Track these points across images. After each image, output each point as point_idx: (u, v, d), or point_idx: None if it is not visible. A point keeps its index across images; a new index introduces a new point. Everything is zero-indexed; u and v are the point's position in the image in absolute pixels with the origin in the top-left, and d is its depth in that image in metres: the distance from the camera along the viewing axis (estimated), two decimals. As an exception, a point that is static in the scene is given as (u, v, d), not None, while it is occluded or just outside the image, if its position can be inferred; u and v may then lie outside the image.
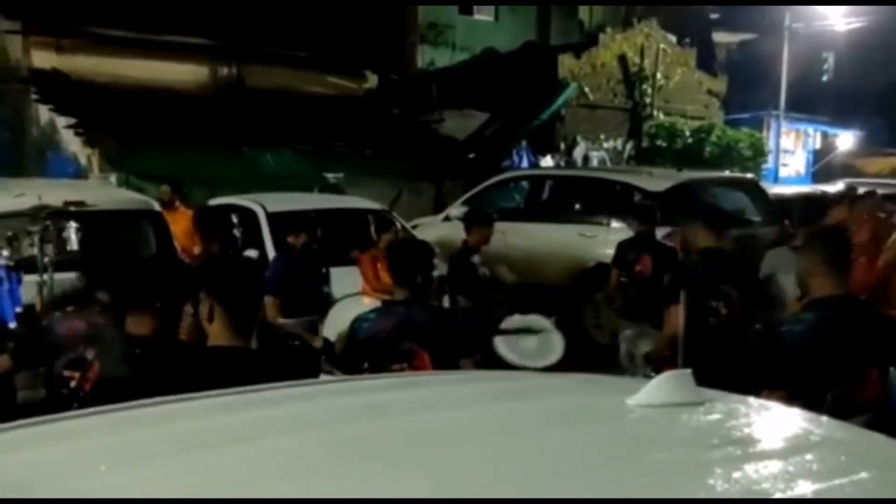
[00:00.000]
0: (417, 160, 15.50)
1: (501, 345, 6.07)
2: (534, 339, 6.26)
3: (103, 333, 3.99)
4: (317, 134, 15.03)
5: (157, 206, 7.75)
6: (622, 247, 7.83)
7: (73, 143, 12.96)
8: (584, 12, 24.93)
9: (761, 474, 1.67)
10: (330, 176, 14.11)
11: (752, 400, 2.25)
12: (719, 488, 1.58)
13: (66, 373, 3.95)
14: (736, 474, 1.64)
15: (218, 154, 13.41)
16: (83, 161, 12.79)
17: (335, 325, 6.89)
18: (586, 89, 19.96)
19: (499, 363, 5.69)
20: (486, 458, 1.65)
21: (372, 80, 18.12)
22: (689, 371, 2.06)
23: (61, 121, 13.05)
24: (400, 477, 1.59)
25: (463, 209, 11.54)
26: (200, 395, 2.23)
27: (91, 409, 2.24)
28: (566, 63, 19.84)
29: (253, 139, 14.09)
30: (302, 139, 14.76)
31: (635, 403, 1.96)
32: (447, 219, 11.59)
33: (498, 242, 8.53)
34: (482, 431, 1.82)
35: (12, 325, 5.17)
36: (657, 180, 10.39)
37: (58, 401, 3.96)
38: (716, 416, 2.00)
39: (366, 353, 4.33)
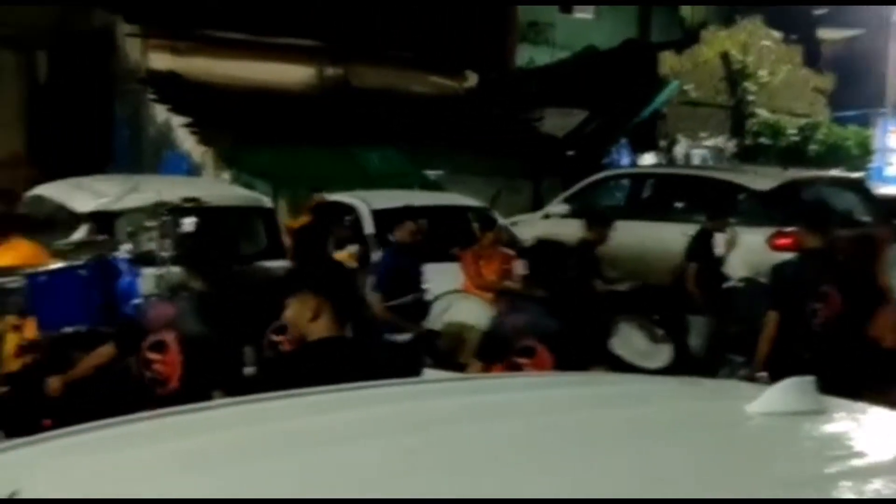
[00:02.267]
0: (516, 158, 15.44)
1: (616, 342, 6.07)
2: (646, 339, 6.23)
3: (187, 320, 4.16)
4: (418, 132, 15.10)
5: (267, 203, 7.91)
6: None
7: (187, 142, 13.31)
8: (685, 9, 24.40)
9: (892, 489, 1.59)
10: (430, 173, 14.17)
11: (875, 409, 2.15)
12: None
13: (150, 355, 4.15)
14: (865, 487, 1.57)
15: (324, 152, 13.61)
16: (197, 159, 13.13)
17: (439, 320, 6.94)
18: (687, 87, 19.56)
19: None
20: (610, 463, 1.62)
21: (472, 79, 18.12)
22: (811, 378, 1.98)
23: (176, 120, 13.42)
24: (513, 480, 1.57)
25: (563, 207, 11.46)
26: (318, 390, 2.24)
27: (198, 405, 2.27)
28: (667, 60, 19.46)
29: (357, 138, 14.24)
30: (404, 137, 14.85)
31: (755, 411, 1.89)
32: (547, 216, 11.51)
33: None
34: (602, 436, 1.77)
35: None
36: (762, 179, 10.11)
37: (143, 383, 4.14)
38: (840, 426, 1.92)
39: (494, 345, 4.43)
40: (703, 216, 9.69)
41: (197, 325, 4.16)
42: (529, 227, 10.86)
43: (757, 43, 20.87)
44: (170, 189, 6.71)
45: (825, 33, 26.69)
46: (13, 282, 5.11)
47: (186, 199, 6.50)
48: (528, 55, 20.71)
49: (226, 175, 12.51)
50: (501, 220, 9.67)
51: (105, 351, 4.40)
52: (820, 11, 26.28)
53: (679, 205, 10.80)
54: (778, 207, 9.39)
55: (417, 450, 1.71)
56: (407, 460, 1.66)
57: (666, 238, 9.92)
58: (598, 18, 22.71)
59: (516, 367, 4.32)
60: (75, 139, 11.82)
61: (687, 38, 21.16)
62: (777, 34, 21.63)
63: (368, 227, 8.56)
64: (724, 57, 20.51)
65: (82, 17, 12.78)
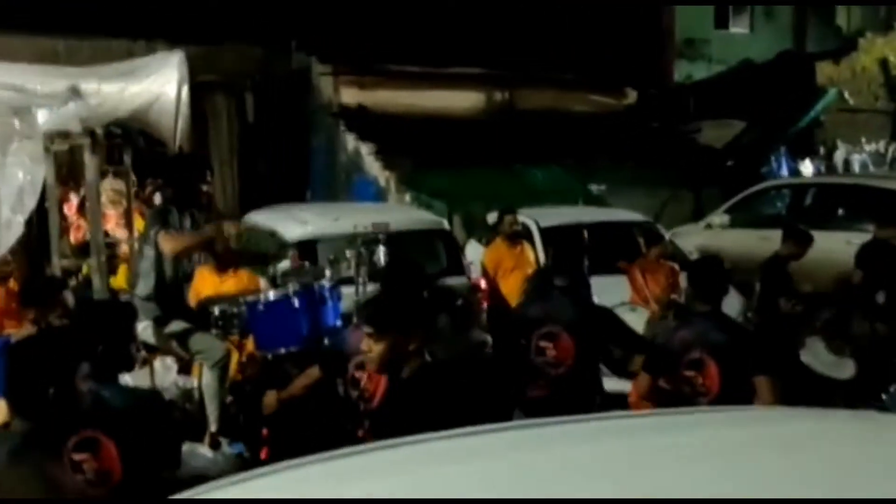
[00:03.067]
0: (676, 169, 15.04)
1: (804, 353, 5.85)
2: (832, 350, 5.96)
3: None
4: (581, 149, 14.98)
5: (447, 226, 8.06)
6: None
7: (373, 168, 13.75)
8: (841, 18, 23.03)
9: None
10: (593, 188, 14.01)
11: None
12: None
13: (357, 374, 4.22)
14: None
15: (493, 172, 13.74)
16: (382, 182, 13.54)
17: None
18: (846, 94, 18.44)
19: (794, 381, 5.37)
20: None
21: (631, 96, 17.80)
22: None
23: (364, 148, 13.90)
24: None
25: (724, 217, 11.07)
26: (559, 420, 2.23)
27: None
28: (825, 69, 18.43)
29: (523, 157, 14.28)
30: (567, 155, 14.76)
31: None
32: (708, 226, 11.14)
33: (762, 248, 8.15)
34: (792, 482, 1.69)
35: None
36: (927, 187, 9.42)
37: (349, 405, 4.25)
38: None
39: (662, 358, 4.37)
40: (868, 224, 9.15)
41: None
42: (691, 238, 10.55)
43: (917, 47, 19.44)
44: (363, 216, 6.96)
45: None
46: (236, 307, 5.44)
47: (376, 225, 6.73)
48: (686, 71, 20.16)
49: (406, 196, 12.82)
50: (666, 234, 9.44)
51: (312, 372, 4.59)
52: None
53: (841, 213, 10.21)
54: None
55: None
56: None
57: (828, 247, 9.40)
58: (753, 32, 21.82)
59: (685, 380, 4.22)
60: (279, 168, 12.45)
61: (844, 47, 19.95)
62: (938, 37, 20.07)
63: (538, 245, 8.53)
64: (883, 63, 19.20)
65: (283, 62, 13.45)
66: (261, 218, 7.89)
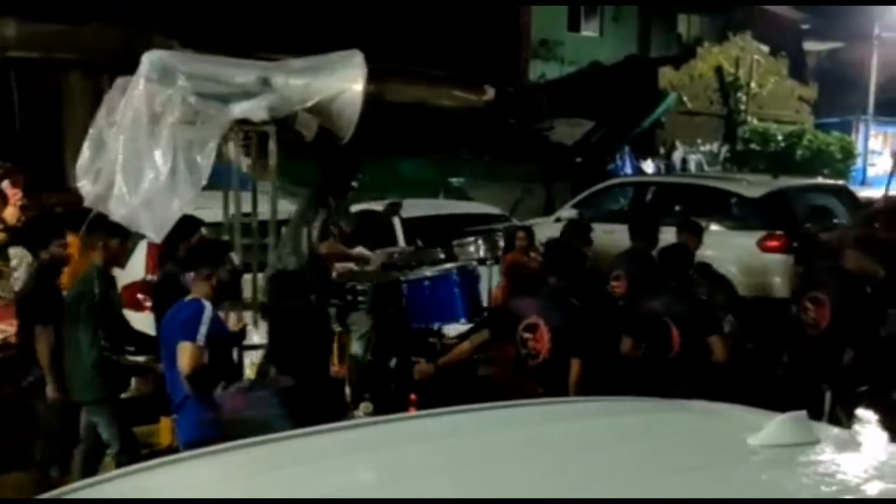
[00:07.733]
0: (531, 165, 15.42)
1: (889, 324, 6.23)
2: None
3: (551, 308, 4.67)
4: (444, 142, 15.11)
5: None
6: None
7: (238, 156, 13.35)
8: (682, 27, 24.25)
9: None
10: (454, 180, 14.17)
11: (867, 436, 2.18)
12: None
13: (525, 335, 4.64)
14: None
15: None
16: (245, 170, 13.16)
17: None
18: (685, 98, 19.45)
19: None
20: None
21: (490, 93, 18.12)
22: (804, 412, 2.02)
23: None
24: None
25: (573, 211, 11.43)
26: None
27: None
28: (666, 74, 19.36)
29: (390, 148, 14.27)
30: (431, 148, 14.86)
31: (757, 443, 1.92)
32: (558, 220, 11.48)
33: (605, 241, 8.45)
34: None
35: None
36: (753, 187, 10.05)
37: (521, 360, 4.69)
38: (832, 456, 1.94)
39: (632, 327, 5.12)
40: (702, 220, 9.67)
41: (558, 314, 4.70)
42: (543, 230, 10.83)
43: (747, 57, 20.70)
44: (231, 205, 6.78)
45: (809, 45, 26.43)
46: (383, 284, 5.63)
47: (244, 214, 6.59)
48: (540, 70, 20.68)
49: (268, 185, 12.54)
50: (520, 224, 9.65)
51: (478, 337, 4.96)
52: (805, 26, 26.02)
53: (677, 210, 10.74)
54: (767, 213, 9.38)
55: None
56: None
57: (666, 240, 9.86)
58: (602, 36, 22.63)
59: (653, 341, 4.95)
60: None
61: (684, 54, 21.02)
62: (765, 48, 21.44)
63: (400, 236, 8.58)
64: (718, 70, 20.36)
65: (143, 42, 12.85)
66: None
